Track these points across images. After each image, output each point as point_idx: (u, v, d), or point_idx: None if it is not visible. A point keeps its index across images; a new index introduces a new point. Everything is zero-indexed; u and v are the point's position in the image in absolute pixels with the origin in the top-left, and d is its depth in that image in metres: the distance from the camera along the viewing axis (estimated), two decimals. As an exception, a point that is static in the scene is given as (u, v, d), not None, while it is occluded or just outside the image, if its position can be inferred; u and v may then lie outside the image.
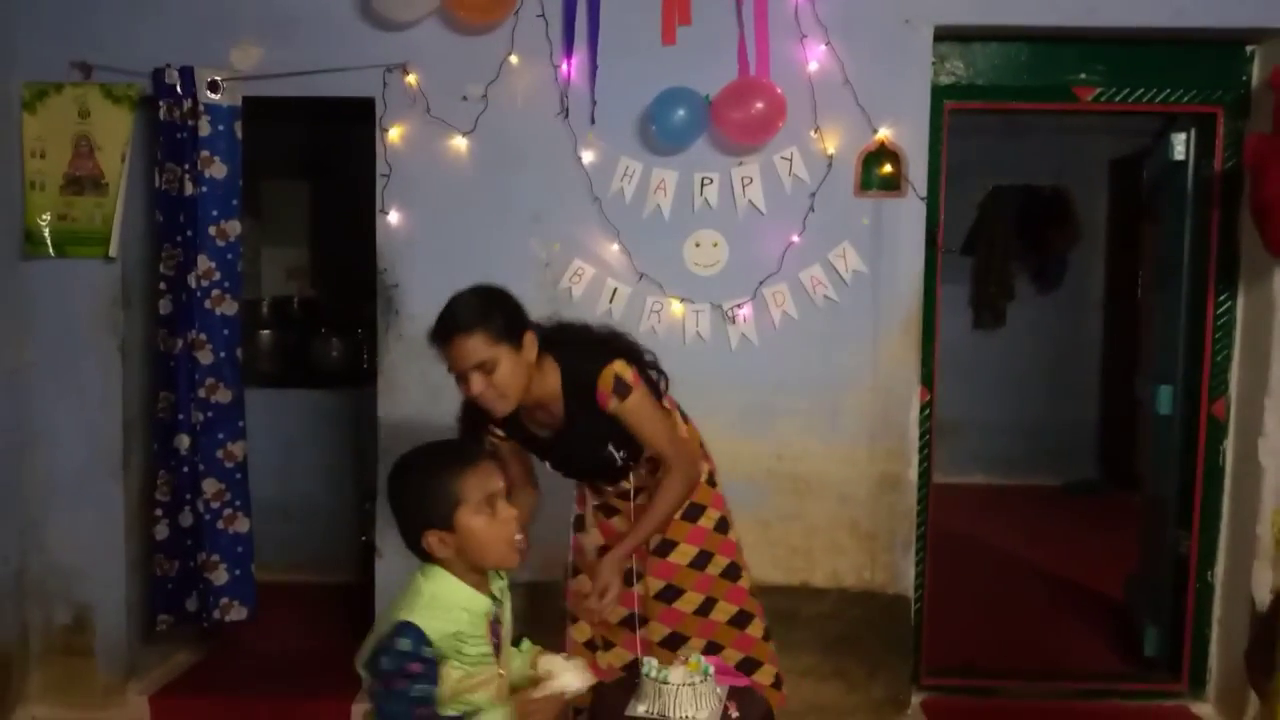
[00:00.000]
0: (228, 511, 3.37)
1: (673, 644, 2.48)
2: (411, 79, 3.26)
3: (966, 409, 6.22)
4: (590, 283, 3.29)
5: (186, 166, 3.24)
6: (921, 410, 3.37)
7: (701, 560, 2.52)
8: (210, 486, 3.34)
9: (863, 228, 3.27)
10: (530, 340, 2.22)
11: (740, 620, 2.53)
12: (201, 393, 3.31)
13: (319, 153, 5.24)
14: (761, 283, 3.28)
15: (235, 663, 3.77)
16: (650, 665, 2.17)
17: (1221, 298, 3.43)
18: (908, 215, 3.27)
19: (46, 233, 3.34)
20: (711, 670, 2.17)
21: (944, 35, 3.29)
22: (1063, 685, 3.60)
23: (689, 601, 2.51)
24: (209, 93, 3.23)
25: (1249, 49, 3.36)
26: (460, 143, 3.28)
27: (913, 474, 3.35)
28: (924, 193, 3.27)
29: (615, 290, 3.29)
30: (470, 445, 2.13)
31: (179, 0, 3.29)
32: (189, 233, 3.27)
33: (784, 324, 3.29)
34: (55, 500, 3.42)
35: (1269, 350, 3.27)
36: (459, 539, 1.70)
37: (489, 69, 3.24)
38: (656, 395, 2.40)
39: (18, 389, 3.37)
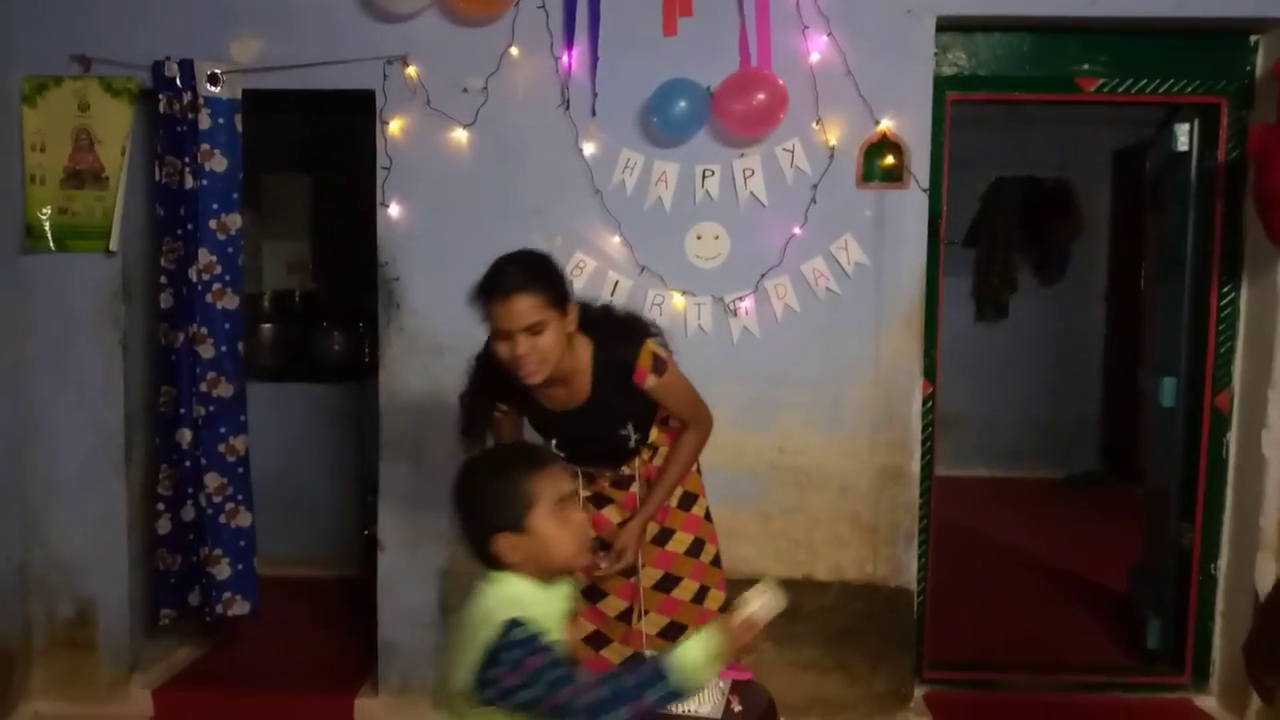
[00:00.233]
0: (229, 506, 3.37)
1: (671, 634, 2.49)
2: (412, 71, 3.25)
3: (969, 401, 6.22)
4: (592, 275, 3.28)
5: (187, 160, 3.24)
6: (924, 403, 3.36)
7: (695, 548, 2.57)
8: (212, 481, 3.33)
9: (865, 219, 3.26)
10: (573, 312, 2.24)
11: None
12: (203, 387, 3.31)
13: (319, 146, 5.23)
14: (763, 275, 3.27)
15: (238, 657, 3.78)
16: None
17: (1225, 289, 3.42)
18: (910, 207, 3.26)
19: (47, 227, 3.33)
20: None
21: (946, 26, 3.27)
22: (1065, 678, 3.60)
23: (686, 589, 2.54)
24: (209, 86, 3.22)
25: (1253, 39, 3.34)
26: (461, 135, 3.27)
27: (915, 466, 3.34)
28: (926, 184, 3.25)
29: (617, 283, 3.28)
30: (538, 449, 2.10)
31: (178, -7, 3.29)
32: (189, 226, 3.26)
33: (786, 316, 3.28)
34: (57, 495, 3.42)
35: (1273, 342, 3.26)
36: (531, 541, 1.66)
37: (489, 61, 3.23)
38: None
39: (19, 384, 3.37)
